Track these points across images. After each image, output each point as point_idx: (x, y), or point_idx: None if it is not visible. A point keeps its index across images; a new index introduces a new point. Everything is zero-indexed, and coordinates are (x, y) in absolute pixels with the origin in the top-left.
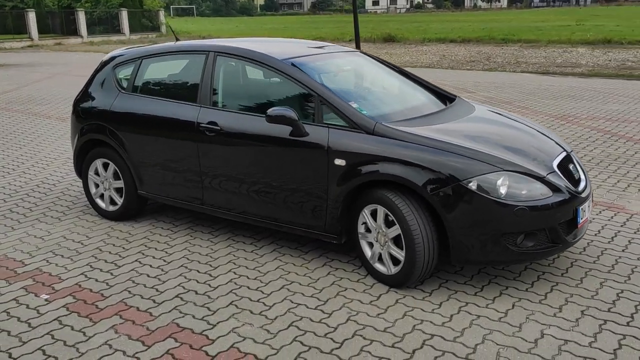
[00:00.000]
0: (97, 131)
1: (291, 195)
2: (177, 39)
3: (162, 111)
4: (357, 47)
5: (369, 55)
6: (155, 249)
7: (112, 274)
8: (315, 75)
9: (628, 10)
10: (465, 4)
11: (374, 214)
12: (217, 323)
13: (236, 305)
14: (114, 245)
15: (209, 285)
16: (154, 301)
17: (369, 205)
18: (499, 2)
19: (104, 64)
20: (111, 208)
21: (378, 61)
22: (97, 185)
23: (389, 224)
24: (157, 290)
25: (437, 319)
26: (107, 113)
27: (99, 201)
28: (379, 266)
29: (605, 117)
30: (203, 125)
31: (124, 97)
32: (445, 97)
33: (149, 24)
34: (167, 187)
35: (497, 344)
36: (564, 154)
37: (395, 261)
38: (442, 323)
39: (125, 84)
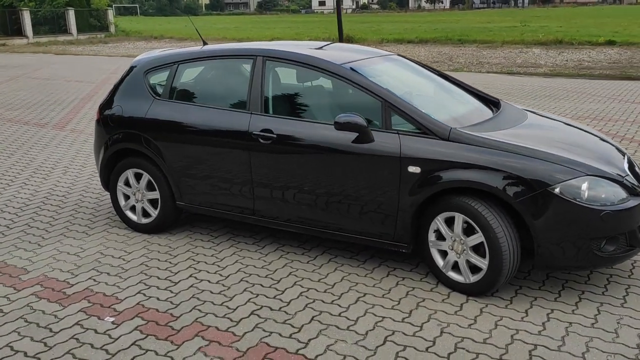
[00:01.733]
0: (130, 140)
1: (357, 204)
2: (205, 43)
3: (206, 118)
4: None
5: (407, 58)
6: (205, 262)
7: (171, 291)
8: (374, 80)
9: (564, 12)
10: (410, 5)
11: (448, 222)
12: (309, 341)
13: (319, 321)
14: (159, 260)
15: (280, 300)
16: (230, 319)
17: (444, 212)
18: (442, 3)
19: (130, 69)
20: (144, 220)
21: (418, 64)
22: (126, 197)
23: (466, 231)
24: (228, 307)
25: (531, 327)
26: (141, 121)
27: (129, 213)
28: (453, 275)
29: (591, 116)
30: (256, 133)
31: (160, 104)
32: (489, 101)
33: (97, 23)
34: (211, 197)
35: (604, 352)
36: (626, 156)
37: (474, 269)
38: (538, 332)
39: (160, 90)
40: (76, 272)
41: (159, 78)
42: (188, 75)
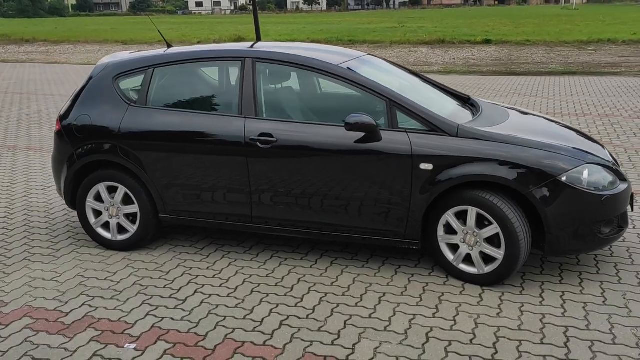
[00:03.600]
0: (103, 151)
1: (366, 204)
2: (170, 46)
3: (193, 125)
4: None
5: (378, 57)
6: (204, 276)
7: (183, 309)
8: (373, 80)
9: (434, 13)
10: (288, 7)
11: (457, 215)
12: (354, 346)
13: (353, 325)
14: (151, 278)
15: (304, 307)
16: (262, 333)
17: (455, 207)
18: (319, 5)
19: (91, 77)
20: (120, 237)
21: (393, 64)
22: (97, 213)
23: (480, 224)
24: (252, 320)
25: (553, 311)
26: (116, 130)
27: (101, 231)
28: (465, 267)
29: None
30: (254, 137)
31: (136, 111)
32: (462, 98)
33: None
34: (200, 207)
35: (626, 326)
36: (604, 146)
37: (486, 260)
38: (562, 314)
39: (135, 97)
40: (64, 299)
41: (132, 83)
42: (167, 80)
